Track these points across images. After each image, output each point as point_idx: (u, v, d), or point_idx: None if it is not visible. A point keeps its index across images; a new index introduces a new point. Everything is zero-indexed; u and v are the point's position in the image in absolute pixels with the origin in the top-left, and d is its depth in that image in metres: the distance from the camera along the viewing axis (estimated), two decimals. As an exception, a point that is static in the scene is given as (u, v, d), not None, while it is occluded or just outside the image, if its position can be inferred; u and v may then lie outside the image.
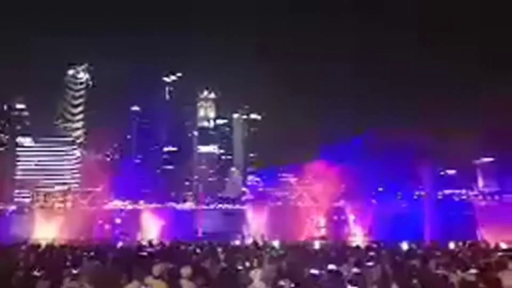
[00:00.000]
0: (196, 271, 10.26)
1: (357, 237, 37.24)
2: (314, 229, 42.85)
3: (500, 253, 25.03)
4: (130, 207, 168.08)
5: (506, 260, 18.73)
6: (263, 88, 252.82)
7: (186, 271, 10.08)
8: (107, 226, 53.21)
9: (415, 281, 10.55)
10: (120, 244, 29.76)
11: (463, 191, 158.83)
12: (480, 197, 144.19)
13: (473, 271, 13.80)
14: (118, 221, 62.58)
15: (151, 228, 38.81)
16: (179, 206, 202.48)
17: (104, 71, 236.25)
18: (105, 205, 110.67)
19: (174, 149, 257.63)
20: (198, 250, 21.55)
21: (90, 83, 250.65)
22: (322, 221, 45.88)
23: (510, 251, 26.72)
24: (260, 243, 29.76)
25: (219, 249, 21.18)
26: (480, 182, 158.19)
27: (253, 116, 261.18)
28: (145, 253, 19.89)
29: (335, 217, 50.17)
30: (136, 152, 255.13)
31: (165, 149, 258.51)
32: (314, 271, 10.89)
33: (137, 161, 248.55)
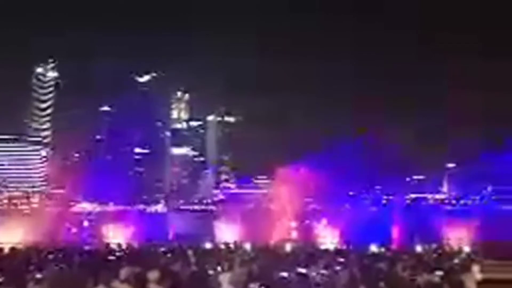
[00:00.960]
0: (165, 275, 10.11)
1: (327, 240, 37.74)
2: (286, 231, 43.12)
3: (463, 256, 26.09)
4: (99, 209, 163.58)
5: (469, 263, 19.49)
6: (239, 90, 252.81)
7: (153, 274, 9.91)
8: (74, 229, 51.58)
9: (381, 283, 10.79)
10: (87, 247, 28.96)
11: (430, 196, 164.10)
12: (446, 201, 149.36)
13: (438, 273, 14.27)
14: (86, 223, 60.79)
15: (120, 231, 37.91)
16: (150, 209, 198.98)
17: (73, 70, 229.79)
18: (73, 207, 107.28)
19: (146, 150, 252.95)
20: (168, 253, 21.25)
21: (59, 81, 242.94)
22: (294, 224, 46.25)
23: (473, 254, 27.86)
24: (232, 246, 29.68)
25: (190, 252, 20.96)
26: (446, 187, 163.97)
27: (227, 118, 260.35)
28: (112, 257, 19.42)
29: (307, 220, 50.64)
30: (106, 153, 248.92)
31: (137, 150, 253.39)
32: (283, 274, 10.97)
33: (107, 162, 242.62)
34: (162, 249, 23.97)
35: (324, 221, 42.42)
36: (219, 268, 13.69)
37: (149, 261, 14.72)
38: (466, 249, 30.73)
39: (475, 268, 16.61)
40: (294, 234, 43.02)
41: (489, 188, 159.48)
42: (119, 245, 26.36)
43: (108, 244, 29.94)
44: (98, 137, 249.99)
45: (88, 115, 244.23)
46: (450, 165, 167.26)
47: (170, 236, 49.64)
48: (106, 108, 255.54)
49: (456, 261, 22.62)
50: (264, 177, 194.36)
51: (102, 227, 40.69)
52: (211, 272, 13.15)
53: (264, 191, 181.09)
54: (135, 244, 28.23)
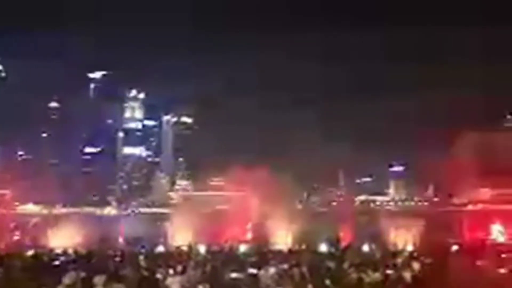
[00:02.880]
0: (113, 279, 9.89)
1: (281, 241, 38.48)
2: (241, 233, 43.41)
3: (406, 254, 27.71)
4: (44, 212, 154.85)
5: (410, 260, 20.81)
6: (196, 91, 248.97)
7: (100, 279, 9.68)
8: (17, 233, 48.72)
9: (328, 281, 11.29)
10: (30, 251, 27.47)
11: (378, 197, 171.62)
12: (392, 203, 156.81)
13: (388, 271, 15.14)
14: (30, 227, 57.52)
15: (67, 235, 36.33)
16: (100, 211, 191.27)
17: (19, 65, 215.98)
18: (16, 210, 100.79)
19: (96, 150, 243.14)
20: (118, 258, 20.68)
21: (3, 74, 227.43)
22: (249, 226, 46.62)
23: (414, 252, 29.70)
24: (186, 248, 29.44)
25: (141, 256, 20.55)
26: (392, 189, 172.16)
27: (184, 118, 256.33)
28: (57, 262, 18.62)
29: (262, 221, 51.19)
30: (53, 152, 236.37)
31: (86, 149, 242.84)
32: (234, 275, 11.13)
33: (54, 161, 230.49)
34: (112, 253, 23.27)
35: (278, 222, 43.16)
36: (171, 272, 13.59)
37: (96, 265, 14.28)
38: (409, 248, 32.70)
39: (415, 265, 17.87)
40: (249, 236, 43.43)
41: (431, 190, 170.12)
42: (64, 249, 25.25)
43: (52, 249, 28.62)
44: (45, 135, 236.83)
45: (35, 112, 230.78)
46: (397, 168, 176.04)
47: (121, 240, 48.18)
48: (54, 104, 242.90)
49: (399, 259, 23.96)
50: (220, 179, 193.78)
51: (47, 230, 38.82)
52: (161, 276, 13.04)
53: (220, 193, 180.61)
54: (83, 248, 27.15)
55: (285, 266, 14.90)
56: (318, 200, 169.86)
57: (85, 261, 18.41)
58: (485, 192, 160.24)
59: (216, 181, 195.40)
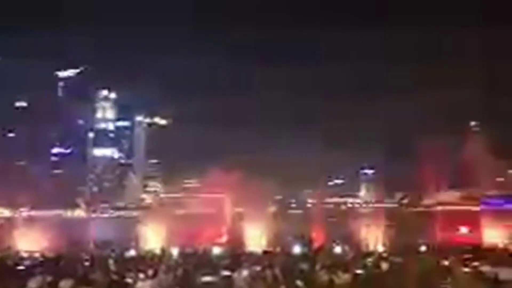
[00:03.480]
0: (81, 283, 9.63)
1: (255, 243, 38.51)
2: (215, 236, 43.18)
3: (376, 255, 28.35)
4: (10, 214, 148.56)
5: (380, 261, 21.31)
6: (170, 91, 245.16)
7: (67, 283, 9.41)
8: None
9: (299, 282, 11.43)
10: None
11: (349, 199, 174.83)
12: (363, 205, 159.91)
13: (358, 271, 15.44)
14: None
15: (34, 238, 35.04)
16: (69, 214, 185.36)
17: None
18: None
19: (66, 150, 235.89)
20: (87, 262, 20.13)
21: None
22: (223, 228, 46.43)
23: (384, 252, 30.42)
24: (158, 252, 29.00)
25: (111, 260, 20.09)
26: (363, 191, 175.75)
27: (157, 119, 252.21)
28: (23, 266, 17.94)
29: (236, 224, 51.11)
30: (20, 152, 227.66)
31: (55, 150, 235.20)
32: (207, 278, 11.07)
33: (21, 163, 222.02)
34: (80, 257, 22.61)
35: (253, 224, 43.22)
36: (141, 276, 13.35)
37: (64, 269, 13.86)
38: (380, 248, 33.48)
39: (384, 265, 18.33)
40: (224, 238, 43.25)
41: (401, 192, 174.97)
42: (31, 252, 24.34)
43: (18, 252, 27.54)
44: (12, 135, 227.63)
45: (2, 111, 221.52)
46: (368, 170, 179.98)
47: (91, 244, 46.87)
48: (22, 103, 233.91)
49: (369, 259, 24.50)
50: (194, 181, 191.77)
51: (13, 233, 37.37)
52: (131, 280, 12.80)
53: (194, 195, 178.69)
54: (50, 252, 26.24)
55: (259, 268, 14.94)
56: (293, 201, 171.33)
57: (52, 264, 17.81)
58: (452, 194, 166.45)
59: (190, 183, 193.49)
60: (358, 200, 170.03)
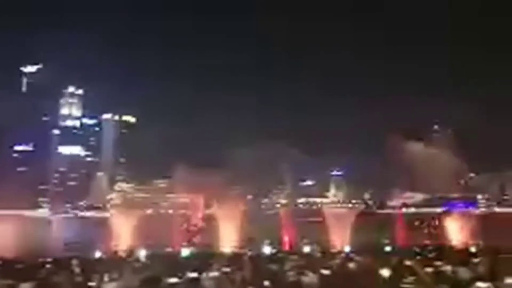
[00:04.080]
0: (42, 287, 9.27)
1: (226, 244, 38.32)
2: (185, 237, 42.63)
3: (343, 255, 28.91)
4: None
5: (347, 261, 21.77)
6: (140, 88, 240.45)
7: (26, 287, 9.03)
8: None
9: (267, 283, 11.51)
10: None
11: (319, 200, 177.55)
12: (332, 205, 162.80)
13: (323, 271, 15.69)
14: None
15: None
16: (32, 214, 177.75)
17: None
18: None
19: (29, 148, 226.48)
20: (50, 264, 19.39)
21: None
22: (193, 229, 45.95)
23: (351, 253, 31.07)
24: (124, 254, 28.35)
25: (75, 262, 19.45)
26: (332, 192, 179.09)
27: (126, 117, 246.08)
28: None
29: (207, 224, 50.70)
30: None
31: (18, 147, 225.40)
32: (174, 280, 10.94)
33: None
34: (43, 259, 21.76)
35: (224, 224, 42.96)
36: (106, 278, 13.01)
37: (24, 272, 13.29)
38: (347, 249, 34.13)
39: (351, 265, 18.74)
40: (194, 239, 42.78)
41: (368, 194, 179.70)
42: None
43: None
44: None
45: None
46: (337, 172, 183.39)
47: (54, 245, 45.18)
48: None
49: (337, 260, 24.96)
50: (164, 181, 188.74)
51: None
52: (96, 282, 12.45)
53: (164, 195, 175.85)
54: (9, 253, 25.05)
55: (228, 269, 14.92)
56: (265, 202, 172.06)
57: (11, 267, 17.03)
58: (417, 196, 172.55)
59: (159, 183, 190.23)
60: (327, 201, 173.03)
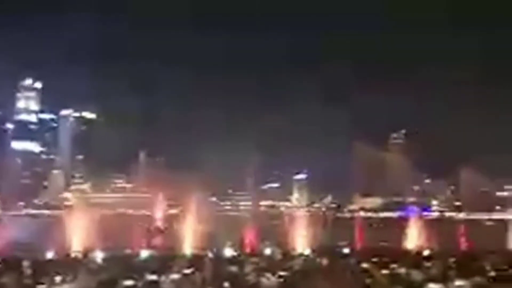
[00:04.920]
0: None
1: (187, 245, 37.81)
2: (144, 238, 41.63)
3: (303, 257, 29.34)
4: None
5: (307, 263, 22.08)
6: (101, 84, 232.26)
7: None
8: None
9: (227, 284, 11.47)
10: None
11: (282, 203, 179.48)
12: (295, 208, 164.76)
13: (282, 273, 15.84)
14: None
15: None
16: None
17: None
18: None
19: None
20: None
21: None
22: (154, 230, 45.09)
23: (311, 255, 31.57)
24: (79, 255, 27.29)
25: (26, 263, 18.45)
26: (295, 196, 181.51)
27: (85, 114, 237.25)
28: None
29: (167, 226, 49.89)
30: None
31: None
32: (129, 283, 10.63)
33: None
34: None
35: (185, 226, 42.42)
36: (57, 279, 12.42)
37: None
38: (307, 251, 34.69)
39: (310, 267, 19.05)
40: (154, 241, 41.89)
41: (329, 197, 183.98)
42: None
43: None
44: None
45: None
46: (301, 176, 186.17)
47: (4, 245, 42.67)
48: None
49: (297, 262, 25.28)
50: (124, 180, 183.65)
51: None
52: (46, 284, 11.87)
53: (123, 195, 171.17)
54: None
55: (188, 271, 14.71)
56: (228, 204, 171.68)
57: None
58: (375, 201, 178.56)
59: (118, 183, 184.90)
60: (290, 204, 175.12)
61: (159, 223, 50.79)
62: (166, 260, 24.01)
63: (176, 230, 43.28)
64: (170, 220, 50.99)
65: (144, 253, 31.13)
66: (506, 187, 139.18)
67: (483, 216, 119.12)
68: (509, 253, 31.60)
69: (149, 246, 37.52)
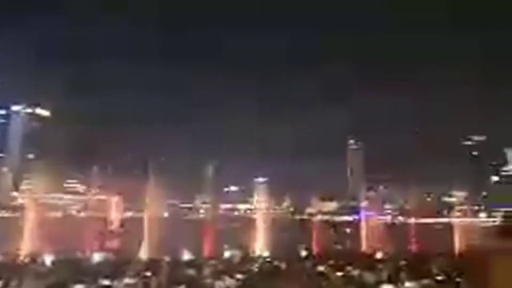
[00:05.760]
0: None
1: (143, 249, 36.89)
2: (98, 241, 40.11)
3: (261, 260, 29.52)
4: None
5: (264, 265, 22.25)
6: (56, 79, 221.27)
7: None
8: None
9: (183, 287, 11.33)
10: None
11: (242, 206, 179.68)
12: (255, 211, 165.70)
13: (239, 276, 15.85)
14: None
15: None
16: None
17: None
18: None
19: None
20: None
21: None
22: (108, 233, 43.64)
23: (269, 257, 31.85)
24: (27, 258, 25.85)
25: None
26: (255, 198, 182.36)
27: (38, 111, 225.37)
28: None
29: (123, 229, 48.48)
30: None
31: None
32: (79, 287, 10.20)
33: None
34: None
35: (142, 229, 41.36)
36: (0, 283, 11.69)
37: None
38: (265, 253, 34.95)
39: (268, 269, 19.22)
40: (109, 244, 40.45)
41: (288, 201, 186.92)
42: None
43: None
44: None
45: None
46: (261, 179, 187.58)
47: None
48: None
49: (256, 264, 25.38)
50: (77, 181, 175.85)
51: None
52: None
53: (76, 196, 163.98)
54: None
55: (143, 275, 14.34)
56: (188, 207, 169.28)
57: None
58: (331, 205, 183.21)
59: (71, 183, 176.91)
60: (251, 207, 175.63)
61: (114, 226, 49.16)
62: (121, 264, 23.24)
63: (132, 234, 42.12)
64: (126, 223, 49.48)
65: (97, 257, 29.99)
66: (452, 193, 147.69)
67: (431, 220, 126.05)
68: (454, 256, 33.49)
69: (102, 250, 36.18)
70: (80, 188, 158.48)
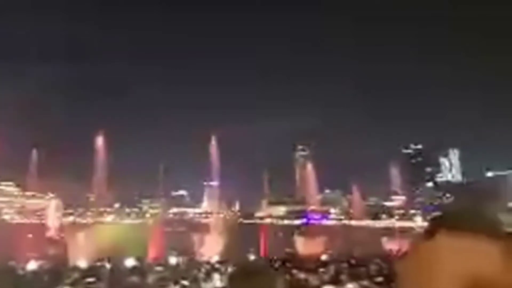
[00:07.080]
0: None
1: (83, 256, 35.07)
2: (34, 248, 37.54)
3: (208, 266, 29.16)
4: None
5: (212, 271, 22.05)
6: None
7: None
8: None
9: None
10: None
11: (190, 210, 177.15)
12: (204, 215, 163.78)
13: (184, 282, 15.57)
14: None
15: None
16: None
17: None
18: None
19: None
20: None
21: None
22: (45, 239, 41.12)
23: (218, 263, 31.58)
24: None
25: None
26: (205, 203, 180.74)
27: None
28: None
29: (62, 234, 45.90)
30: None
31: None
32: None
33: None
34: None
35: (82, 234, 39.51)
36: None
37: None
38: (215, 258, 34.59)
39: (216, 276, 19.08)
40: (46, 251, 37.99)
41: (237, 205, 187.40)
42: None
43: None
44: None
45: None
46: (211, 183, 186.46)
47: None
48: None
49: (203, 270, 25.04)
50: (10, 183, 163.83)
51: None
52: None
53: (9, 199, 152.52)
54: None
55: (82, 283, 13.65)
56: (133, 211, 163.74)
57: None
58: (280, 209, 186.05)
59: (4, 185, 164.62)
60: (200, 211, 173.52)
61: (52, 232, 46.39)
62: (58, 272, 21.97)
63: (72, 239, 39.96)
64: (65, 229, 46.89)
65: (32, 265, 28.06)
66: (392, 197, 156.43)
67: (372, 223, 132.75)
68: (390, 257, 35.37)
69: (39, 257, 33.95)
70: (14, 190, 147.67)
